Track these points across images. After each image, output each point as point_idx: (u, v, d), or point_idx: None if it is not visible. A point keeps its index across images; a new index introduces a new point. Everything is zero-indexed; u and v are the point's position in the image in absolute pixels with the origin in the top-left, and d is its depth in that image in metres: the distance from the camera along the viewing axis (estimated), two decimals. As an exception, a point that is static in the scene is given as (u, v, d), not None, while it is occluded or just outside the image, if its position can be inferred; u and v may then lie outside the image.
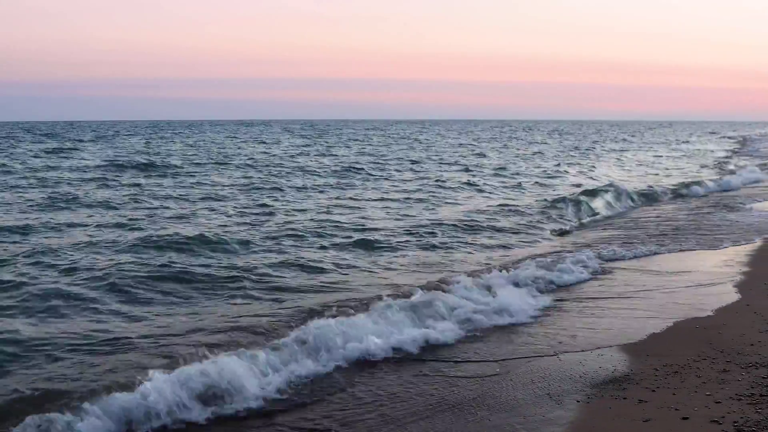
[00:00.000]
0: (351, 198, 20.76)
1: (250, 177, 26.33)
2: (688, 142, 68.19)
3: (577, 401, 6.24)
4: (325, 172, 28.66)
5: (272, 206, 18.40)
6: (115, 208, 17.65)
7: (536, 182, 26.46)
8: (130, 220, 15.73)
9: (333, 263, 11.67)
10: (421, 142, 59.44)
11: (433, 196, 21.47)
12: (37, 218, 15.64)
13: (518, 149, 50.33)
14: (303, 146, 50.25)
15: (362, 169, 30.06)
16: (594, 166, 35.10)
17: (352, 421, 5.94)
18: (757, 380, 6.42)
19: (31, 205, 17.83)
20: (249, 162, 33.77)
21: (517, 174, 29.62)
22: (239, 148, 47.77)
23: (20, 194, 20.12)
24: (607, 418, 5.84)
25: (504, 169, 31.95)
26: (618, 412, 5.92)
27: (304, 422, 5.93)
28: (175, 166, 29.92)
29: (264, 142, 55.61)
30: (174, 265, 11.05)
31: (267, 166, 31.56)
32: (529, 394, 6.44)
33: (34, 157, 35.74)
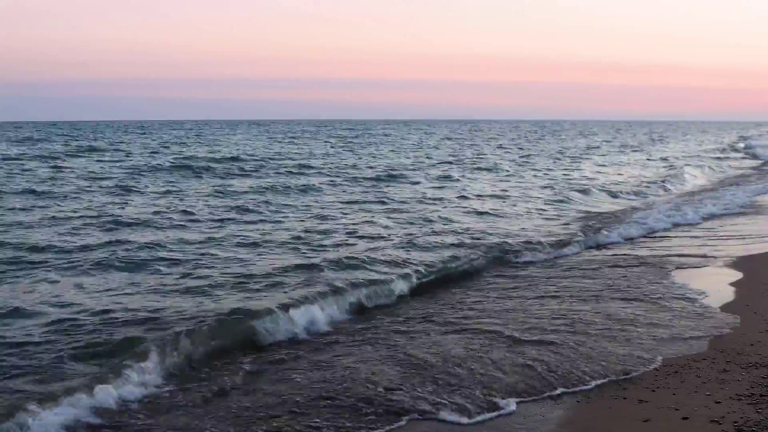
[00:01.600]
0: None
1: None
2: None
3: (577, 401, 6.24)
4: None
5: None
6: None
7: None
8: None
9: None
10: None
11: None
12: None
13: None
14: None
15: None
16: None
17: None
18: (757, 380, 6.42)
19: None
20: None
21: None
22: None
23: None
24: (607, 418, 5.84)
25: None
26: (618, 412, 5.92)
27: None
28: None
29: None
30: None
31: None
32: (529, 394, 6.44)
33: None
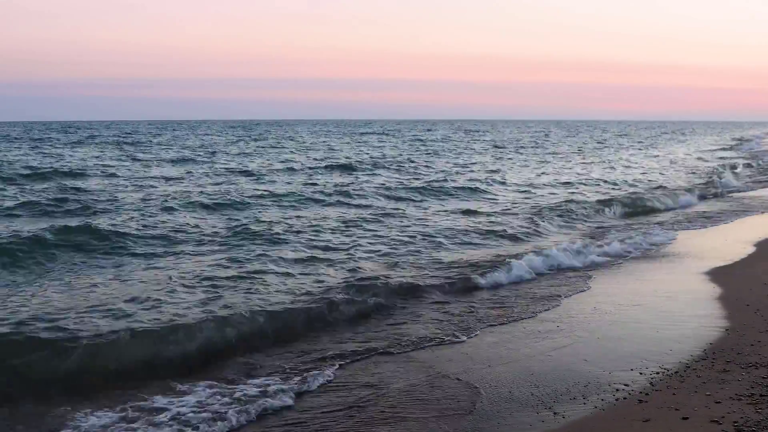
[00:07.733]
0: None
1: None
2: None
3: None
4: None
5: None
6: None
7: None
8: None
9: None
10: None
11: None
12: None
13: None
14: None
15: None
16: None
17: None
18: (757, 380, 6.42)
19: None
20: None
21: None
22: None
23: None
24: (608, 418, 5.85)
25: None
26: (618, 412, 5.93)
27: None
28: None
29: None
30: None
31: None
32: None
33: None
